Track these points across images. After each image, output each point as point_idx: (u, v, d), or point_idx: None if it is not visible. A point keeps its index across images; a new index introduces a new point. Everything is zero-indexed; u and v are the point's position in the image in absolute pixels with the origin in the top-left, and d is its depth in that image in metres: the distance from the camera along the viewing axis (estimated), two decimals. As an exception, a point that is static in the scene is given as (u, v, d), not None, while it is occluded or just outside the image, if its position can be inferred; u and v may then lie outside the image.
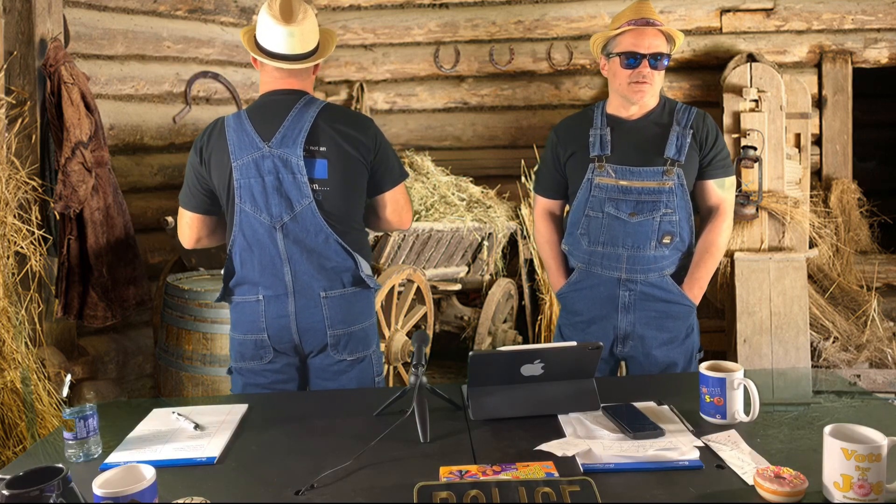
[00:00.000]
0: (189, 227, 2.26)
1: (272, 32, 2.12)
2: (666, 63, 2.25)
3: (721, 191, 2.35)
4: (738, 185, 3.90)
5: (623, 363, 2.46)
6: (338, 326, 2.17)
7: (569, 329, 2.42)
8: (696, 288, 2.33)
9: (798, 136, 4.26)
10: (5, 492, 1.14)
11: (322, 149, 2.12)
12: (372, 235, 3.38)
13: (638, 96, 2.26)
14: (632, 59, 2.23)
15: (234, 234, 2.15)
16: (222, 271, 2.24)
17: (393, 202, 2.26)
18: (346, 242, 2.15)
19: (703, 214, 2.40)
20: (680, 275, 2.35)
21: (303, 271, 2.13)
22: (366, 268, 2.21)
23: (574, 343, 1.78)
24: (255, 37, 2.18)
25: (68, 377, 1.67)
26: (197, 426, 1.71)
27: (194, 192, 2.22)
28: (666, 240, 2.27)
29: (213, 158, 2.15)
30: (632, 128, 2.32)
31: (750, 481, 1.36)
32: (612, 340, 2.35)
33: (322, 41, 2.24)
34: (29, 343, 2.98)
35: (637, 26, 2.24)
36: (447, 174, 4.48)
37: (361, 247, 2.22)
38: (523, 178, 4.48)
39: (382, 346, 3.41)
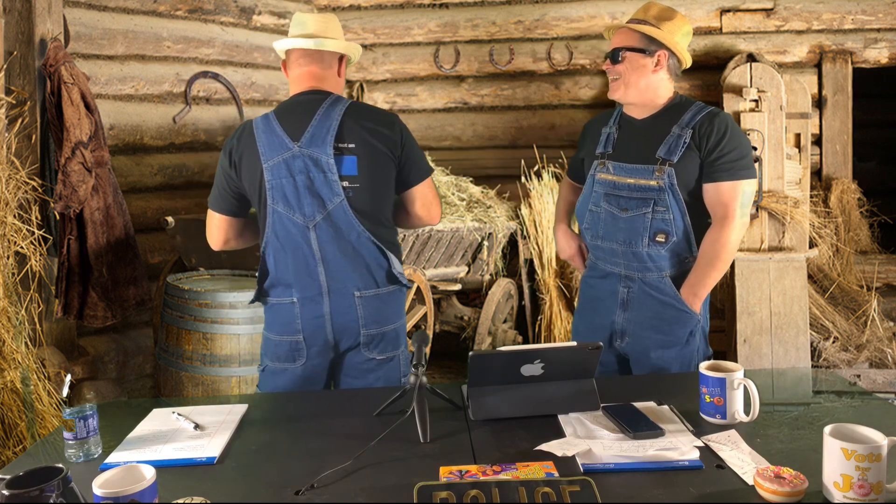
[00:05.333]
0: (217, 229, 2.29)
1: (296, 20, 2.25)
2: (626, 55, 2.29)
3: (726, 195, 2.23)
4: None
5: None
6: (371, 326, 2.19)
7: (583, 299, 2.49)
8: (690, 294, 2.25)
9: (798, 136, 4.26)
10: (5, 492, 1.14)
11: (350, 146, 2.14)
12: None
13: (610, 92, 2.38)
14: (606, 59, 2.39)
15: (267, 235, 2.17)
16: (256, 272, 2.27)
17: (422, 196, 2.28)
18: (378, 240, 2.17)
19: (712, 219, 2.31)
20: (683, 278, 2.30)
21: (337, 270, 2.15)
22: (398, 265, 2.22)
23: (574, 343, 1.79)
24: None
25: (68, 377, 1.67)
26: (197, 426, 1.71)
27: (223, 194, 2.24)
28: (660, 238, 2.26)
29: (244, 160, 2.17)
30: (638, 127, 2.36)
31: (750, 481, 1.36)
32: (611, 333, 2.37)
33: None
34: (29, 343, 2.98)
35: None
36: (447, 174, 4.48)
37: (392, 244, 2.24)
38: (523, 178, 4.48)
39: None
